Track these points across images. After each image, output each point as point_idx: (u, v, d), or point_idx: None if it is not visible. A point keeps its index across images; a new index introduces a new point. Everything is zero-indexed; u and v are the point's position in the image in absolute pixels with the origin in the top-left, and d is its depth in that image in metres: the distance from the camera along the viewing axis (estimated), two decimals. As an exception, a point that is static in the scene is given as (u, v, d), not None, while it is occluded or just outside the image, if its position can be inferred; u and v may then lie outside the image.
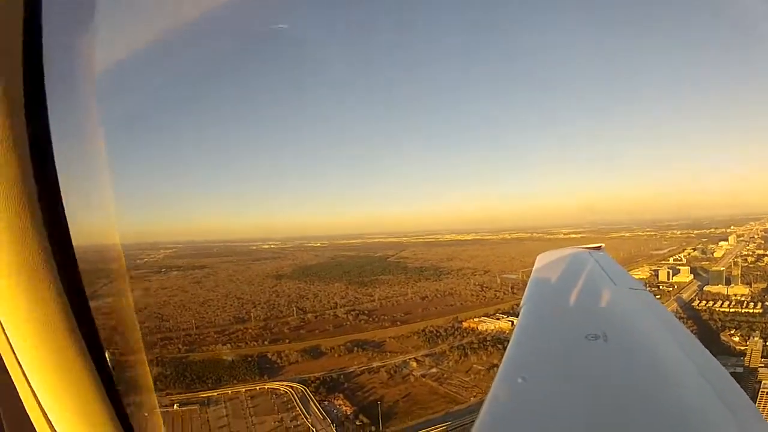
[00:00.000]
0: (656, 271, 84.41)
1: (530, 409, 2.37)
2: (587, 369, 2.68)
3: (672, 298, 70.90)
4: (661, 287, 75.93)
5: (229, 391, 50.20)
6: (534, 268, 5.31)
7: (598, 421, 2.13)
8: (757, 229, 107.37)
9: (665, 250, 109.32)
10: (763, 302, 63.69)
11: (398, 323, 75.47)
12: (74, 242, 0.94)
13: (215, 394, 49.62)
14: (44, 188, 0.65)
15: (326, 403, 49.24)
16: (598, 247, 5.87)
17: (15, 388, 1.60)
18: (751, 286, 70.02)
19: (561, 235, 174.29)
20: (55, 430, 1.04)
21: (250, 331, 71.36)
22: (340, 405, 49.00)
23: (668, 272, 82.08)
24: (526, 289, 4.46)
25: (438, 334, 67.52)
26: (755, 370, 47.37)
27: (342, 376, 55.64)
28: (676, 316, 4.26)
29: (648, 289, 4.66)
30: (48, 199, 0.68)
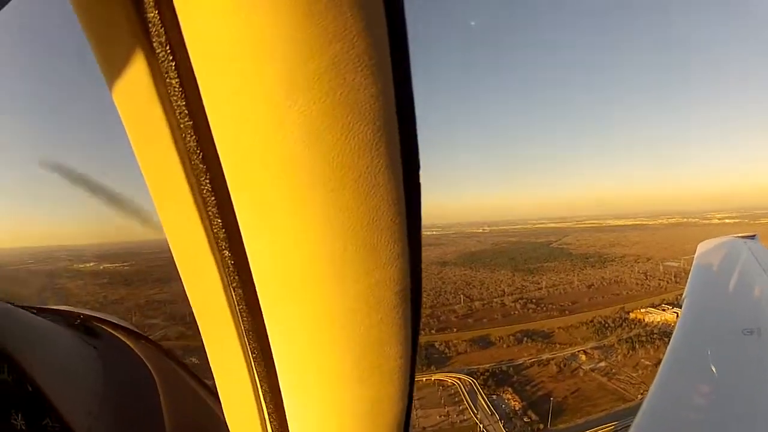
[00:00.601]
0: (804, 264, 73.14)
1: (689, 406, 2.59)
2: (742, 364, 2.91)
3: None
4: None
5: (395, 383, 52.61)
6: (695, 256, 5.59)
7: (750, 417, 2.33)
8: None
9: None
10: None
11: (566, 312, 73.95)
12: None
13: (379, 386, 52.82)
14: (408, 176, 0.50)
15: (494, 397, 48.38)
16: (752, 236, 6.01)
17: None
18: None
19: (715, 221, 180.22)
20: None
21: (416, 320, 74.71)
22: (508, 399, 47.74)
23: (817, 268, 70.43)
24: (688, 281, 4.74)
25: (605, 325, 65.70)
26: None
27: (511, 369, 54.50)
28: None
29: None
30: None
